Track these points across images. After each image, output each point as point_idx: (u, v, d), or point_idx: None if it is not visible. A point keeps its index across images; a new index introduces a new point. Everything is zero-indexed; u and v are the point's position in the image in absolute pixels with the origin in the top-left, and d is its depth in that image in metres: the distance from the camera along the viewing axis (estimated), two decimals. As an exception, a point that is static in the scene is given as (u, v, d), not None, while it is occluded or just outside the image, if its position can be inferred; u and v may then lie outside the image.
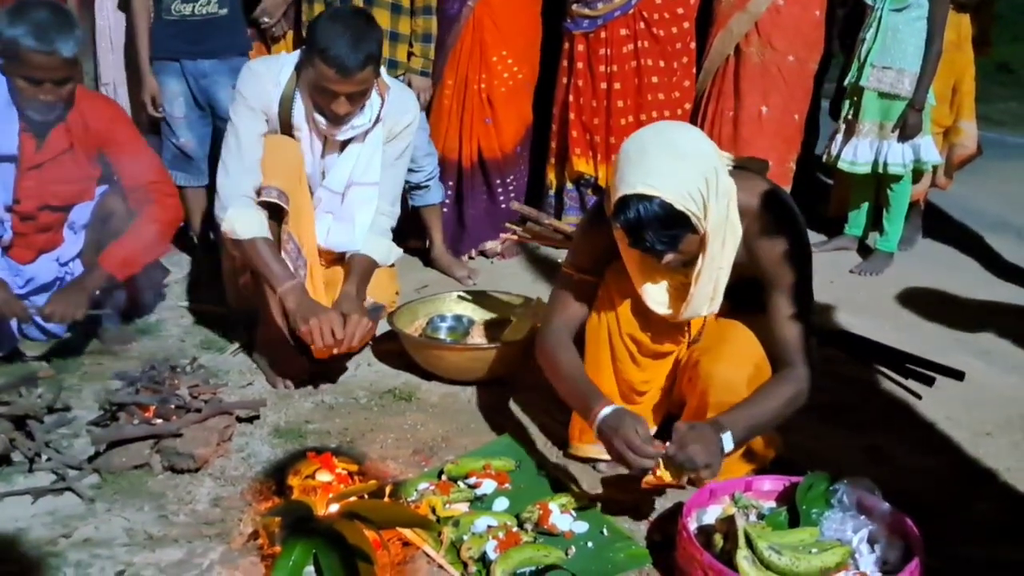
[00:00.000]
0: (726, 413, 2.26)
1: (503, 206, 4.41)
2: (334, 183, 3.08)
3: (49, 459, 2.55)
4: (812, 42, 4.46)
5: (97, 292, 3.14)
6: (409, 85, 3.91)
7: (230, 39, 3.98)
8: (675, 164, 2.17)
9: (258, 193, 2.92)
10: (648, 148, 2.20)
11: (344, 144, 3.05)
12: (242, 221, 2.88)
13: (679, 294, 2.38)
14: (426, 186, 4.14)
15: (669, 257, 2.24)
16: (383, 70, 3.04)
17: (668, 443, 2.18)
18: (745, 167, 2.41)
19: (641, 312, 2.47)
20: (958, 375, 3.17)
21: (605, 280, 2.52)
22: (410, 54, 3.93)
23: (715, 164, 2.22)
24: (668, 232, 2.18)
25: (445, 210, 4.37)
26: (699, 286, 2.32)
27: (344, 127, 2.94)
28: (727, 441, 2.17)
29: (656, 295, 2.41)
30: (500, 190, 4.41)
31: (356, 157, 3.05)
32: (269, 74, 2.96)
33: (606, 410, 2.26)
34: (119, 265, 3.14)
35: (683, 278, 2.35)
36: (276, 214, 2.96)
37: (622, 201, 2.18)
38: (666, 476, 2.19)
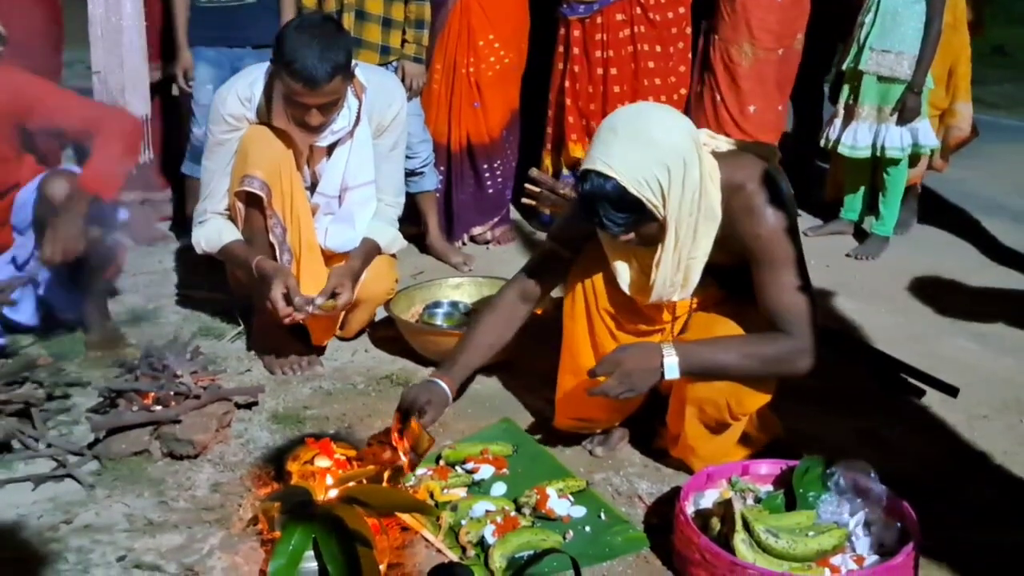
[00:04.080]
0: (690, 343, 2.31)
1: (489, 191, 4.42)
2: (328, 188, 3.08)
3: (49, 446, 2.56)
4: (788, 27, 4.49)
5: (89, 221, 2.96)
6: (403, 72, 3.91)
7: (261, 27, 3.91)
8: (637, 149, 2.15)
9: (241, 181, 2.92)
10: (618, 128, 2.19)
11: (332, 147, 3.04)
12: (206, 238, 3.07)
13: (647, 275, 2.35)
14: (421, 172, 4.13)
15: (626, 237, 2.25)
16: (361, 65, 3.04)
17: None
18: (749, 151, 2.39)
19: (616, 289, 2.45)
20: (952, 391, 3.04)
21: (585, 254, 2.51)
22: (403, 40, 3.92)
23: (685, 155, 2.18)
24: (620, 214, 2.19)
25: (438, 195, 4.37)
26: (659, 273, 2.30)
27: (323, 134, 2.93)
28: (671, 371, 2.26)
29: (625, 274, 2.41)
30: (487, 175, 4.41)
31: (346, 160, 3.05)
32: (235, 95, 2.95)
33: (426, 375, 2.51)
34: (101, 184, 2.95)
35: (650, 260, 2.32)
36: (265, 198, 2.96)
37: (583, 173, 2.20)
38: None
